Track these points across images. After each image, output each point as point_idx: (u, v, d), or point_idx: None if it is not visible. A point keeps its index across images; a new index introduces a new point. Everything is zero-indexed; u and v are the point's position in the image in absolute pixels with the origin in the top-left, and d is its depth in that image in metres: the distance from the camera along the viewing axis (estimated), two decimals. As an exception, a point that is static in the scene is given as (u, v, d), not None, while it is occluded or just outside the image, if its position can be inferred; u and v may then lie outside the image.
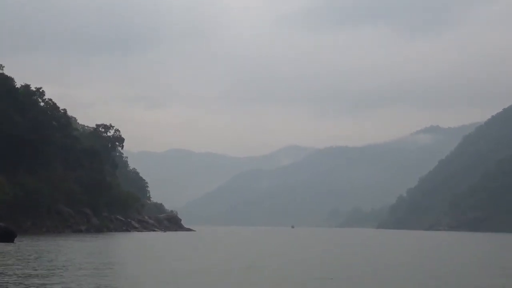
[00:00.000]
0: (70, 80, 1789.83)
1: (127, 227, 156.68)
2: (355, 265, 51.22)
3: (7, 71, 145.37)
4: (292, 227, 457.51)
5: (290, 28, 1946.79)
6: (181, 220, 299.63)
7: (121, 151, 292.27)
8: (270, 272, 42.97)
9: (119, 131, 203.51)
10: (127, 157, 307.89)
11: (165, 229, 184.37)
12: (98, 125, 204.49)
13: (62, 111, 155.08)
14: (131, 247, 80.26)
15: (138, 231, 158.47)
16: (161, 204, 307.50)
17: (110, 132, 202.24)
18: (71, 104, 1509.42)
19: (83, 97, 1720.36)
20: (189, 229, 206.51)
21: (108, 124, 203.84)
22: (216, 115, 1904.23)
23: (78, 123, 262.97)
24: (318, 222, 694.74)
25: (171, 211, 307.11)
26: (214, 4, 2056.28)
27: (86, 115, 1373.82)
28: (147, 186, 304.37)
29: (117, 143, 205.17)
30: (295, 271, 43.79)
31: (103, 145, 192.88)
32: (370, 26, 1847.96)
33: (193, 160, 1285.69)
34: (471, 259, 65.15)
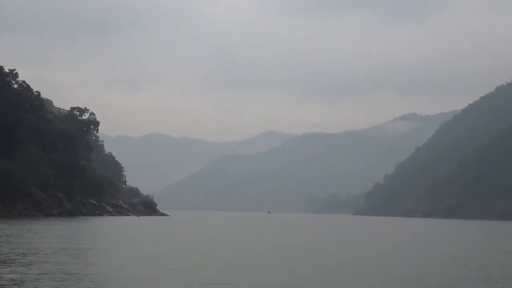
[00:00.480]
0: (50, 62, 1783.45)
1: (100, 211, 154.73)
2: (336, 253, 50.13)
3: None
4: (269, 212, 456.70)
5: (271, 14, 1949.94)
6: (156, 205, 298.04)
7: (97, 135, 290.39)
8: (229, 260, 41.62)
9: (94, 114, 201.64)
10: (103, 141, 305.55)
11: (139, 213, 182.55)
12: (73, 108, 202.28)
13: (35, 93, 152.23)
14: (99, 231, 78.48)
15: (111, 215, 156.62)
16: (136, 188, 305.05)
17: (85, 115, 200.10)
18: (50, 86, 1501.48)
19: (62, 80, 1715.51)
20: (163, 214, 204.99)
21: (83, 107, 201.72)
22: (195, 100, 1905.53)
23: (54, 106, 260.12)
24: (295, 208, 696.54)
25: (147, 195, 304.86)
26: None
27: (66, 98, 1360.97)
28: (123, 170, 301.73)
29: (92, 127, 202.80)
30: (263, 259, 42.53)
31: (77, 128, 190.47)
32: (351, 13, 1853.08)
33: (171, 145, 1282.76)
34: (452, 248, 64.11)
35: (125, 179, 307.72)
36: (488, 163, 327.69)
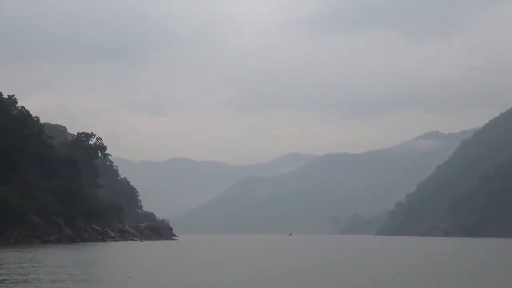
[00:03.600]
0: (73, 89, 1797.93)
1: (103, 237, 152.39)
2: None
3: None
4: (290, 234, 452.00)
5: (295, 35, 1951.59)
6: (172, 229, 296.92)
7: (111, 159, 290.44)
8: None
9: (101, 139, 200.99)
10: (117, 166, 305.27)
11: (146, 238, 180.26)
12: (79, 134, 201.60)
13: (35, 118, 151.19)
14: (76, 258, 75.34)
15: (114, 240, 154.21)
16: (152, 213, 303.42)
17: (92, 140, 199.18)
18: (74, 113, 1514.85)
19: (87, 106, 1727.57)
20: (171, 238, 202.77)
21: (90, 132, 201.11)
22: (217, 123, 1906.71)
23: (68, 132, 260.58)
24: (319, 229, 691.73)
25: (162, 220, 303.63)
26: (219, 11, 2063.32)
27: (89, 124, 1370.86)
28: (138, 195, 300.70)
29: (99, 151, 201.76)
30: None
31: (85, 154, 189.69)
32: (374, 32, 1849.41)
33: (194, 168, 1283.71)
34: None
35: (140, 204, 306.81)
36: (508, 179, 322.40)
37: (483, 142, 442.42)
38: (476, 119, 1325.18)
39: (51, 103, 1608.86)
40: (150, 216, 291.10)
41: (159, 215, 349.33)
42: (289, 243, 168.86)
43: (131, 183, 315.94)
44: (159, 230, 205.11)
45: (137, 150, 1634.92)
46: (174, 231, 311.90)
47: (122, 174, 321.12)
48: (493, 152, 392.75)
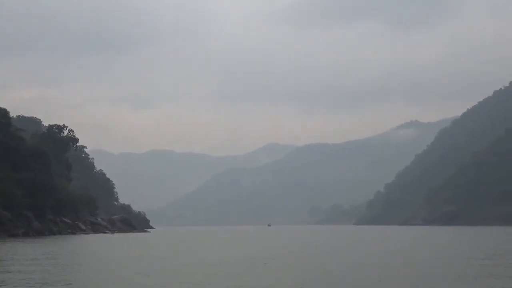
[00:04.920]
0: (54, 81, 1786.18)
1: (73, 230, 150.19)
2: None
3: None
4: (269, 225, 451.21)
5: (275, 27, 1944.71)
6: (149, 221, 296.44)
7: (87, 152, 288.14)
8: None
9: (73, 131, 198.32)
10: (93, 158, 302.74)
11: (118, 230, 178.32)
12: (51, 126, 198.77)
13: (2, 111, 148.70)
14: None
15: (85, 233, 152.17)
16: (128, 205, 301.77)
17: (63, 132, 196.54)
18: (57, 105, 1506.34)
19: (70, 99, 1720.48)
20: (143, 231, 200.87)
21: (61, 124, 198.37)
22: (197, 114, 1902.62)
23: (43, 124, 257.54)
24: (299, 220, 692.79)
25: (139, 212, 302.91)
26: (201, 3, 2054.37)
27: (72, 117, 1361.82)
28: (114, 187, 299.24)
29: (71, 144, 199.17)
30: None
31: (56, 146, 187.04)
32: (355, 23, 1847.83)
33: (174, 160, 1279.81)
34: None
35: (117, 196, 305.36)
36: (484, 168, 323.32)
37: (461, 131, 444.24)
38: (455, 108, 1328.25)
39: (32, 95, 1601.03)
40: (126, 209, 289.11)
41: (140, 207, 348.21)
42: (260, 234, 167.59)
43: (112, 176, 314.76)
44: (131, 223, 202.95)
45: (117, 142, 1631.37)
46: (153, 223, 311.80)
47: (102, 166, 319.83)
48: (470, 141, 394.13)
